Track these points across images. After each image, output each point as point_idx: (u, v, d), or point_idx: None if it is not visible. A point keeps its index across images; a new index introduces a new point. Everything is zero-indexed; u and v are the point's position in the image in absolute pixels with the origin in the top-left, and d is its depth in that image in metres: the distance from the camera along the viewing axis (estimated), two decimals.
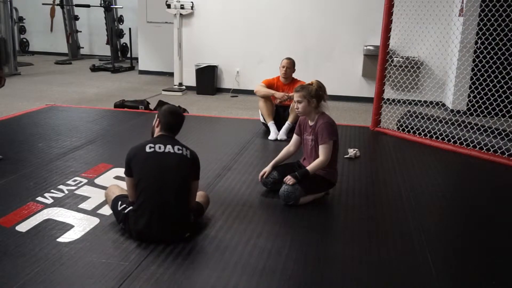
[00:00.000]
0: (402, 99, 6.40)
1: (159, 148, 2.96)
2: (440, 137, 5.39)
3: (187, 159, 3.00)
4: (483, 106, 5.60)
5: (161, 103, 6.70)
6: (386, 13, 5.73)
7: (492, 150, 4.93)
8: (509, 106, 5.30)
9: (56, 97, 7.66)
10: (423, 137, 5.52)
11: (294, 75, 5.58)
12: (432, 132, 5.46)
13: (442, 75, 7.52)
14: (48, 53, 13.35)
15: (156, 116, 3.11)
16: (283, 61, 5.52)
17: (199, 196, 3.29)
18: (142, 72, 10.67)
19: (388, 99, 6.20)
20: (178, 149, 2.99)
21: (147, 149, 2.96)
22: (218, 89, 8.71)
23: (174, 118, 3.08)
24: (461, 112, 6.82)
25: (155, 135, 3.10)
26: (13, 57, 9.82)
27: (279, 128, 5.44)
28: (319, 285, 2.60)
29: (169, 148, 2.97)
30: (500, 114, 5.80)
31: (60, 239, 2.94)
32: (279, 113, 5.57)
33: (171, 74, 9.33)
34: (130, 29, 11.75)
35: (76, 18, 12.65)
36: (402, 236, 3.20)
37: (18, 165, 4.19)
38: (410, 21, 6.20)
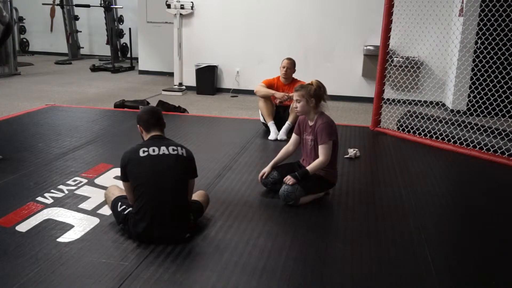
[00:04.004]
0: (402, 99, 6.39)
1: (153, 151, 2.92)
2: (440, 137, 5.39)
3: (184, 158, 2.99)
4: (483, 106, 5.60)
5: (161, 103, 6.71)
6: (386, 13, 5.73)
7: (492, 150, 4.93)
8: (509, 106, 5.29)
9: (56, 97, 7.66)
10: (423, 137, 5.52)
11: (294, 75, 5.58)
12: (432, 132, 5.45)
13: (442, 75, 7.52)
14: (48, 53, 13.37)
15: (137, 125, 3.10)
16: (284, 61, 5.52)
17: (199, 195, 3.29)
18: (142, 72, 10.68)
19: (388, 99, 6.20)
20: (173, 150, 2.96)
21: (141, 154, 2.92)
22: (218, 89, 8.72)
23: (149, 114, 3.05)
24: (461, 112, 6.83)
25: (145, 140, 3.06)
26: (13, 57, 9.82)
27: (279, 128, 5.44)
28: (319, 285, 2.60)
29: (163, 149, 2.94)
30: (500, 114, 5.80)
31: (60, 239, 2.94)
32: (279, 113, 5.58)
33: (171, 74, 9.33)
34: (130, 29, 11.76)
35: (76, 18, 12.65)
36: (402, 236, 3.20)
37: (18, 165, 4.20)
38: (410, 21, 6.21)
